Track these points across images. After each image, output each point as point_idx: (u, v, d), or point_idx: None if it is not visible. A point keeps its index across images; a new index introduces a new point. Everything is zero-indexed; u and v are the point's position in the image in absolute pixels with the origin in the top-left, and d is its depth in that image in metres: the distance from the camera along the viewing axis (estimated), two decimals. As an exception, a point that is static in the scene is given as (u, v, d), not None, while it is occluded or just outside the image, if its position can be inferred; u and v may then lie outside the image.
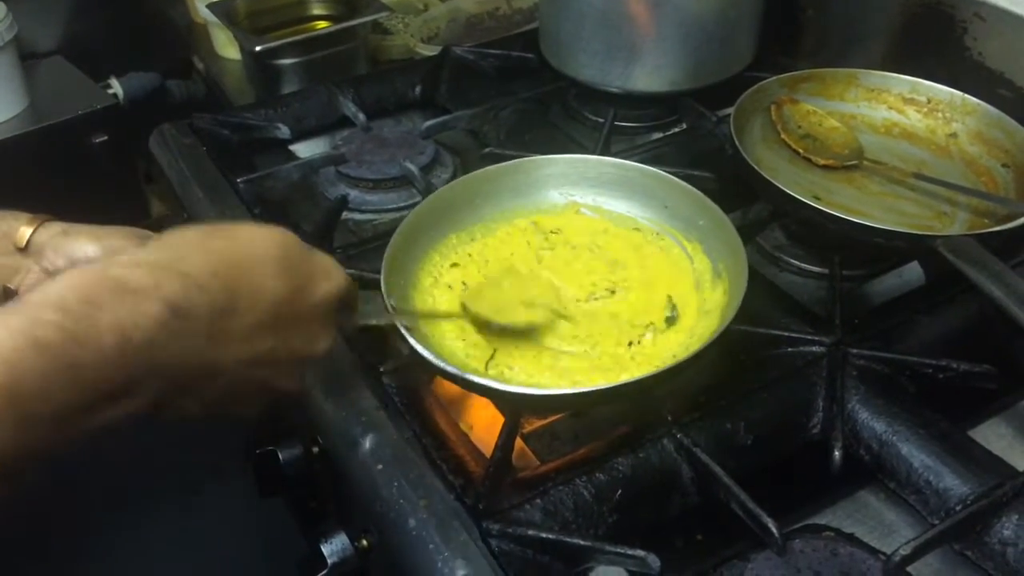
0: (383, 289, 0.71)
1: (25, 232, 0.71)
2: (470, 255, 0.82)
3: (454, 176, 1.03)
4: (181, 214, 1.03)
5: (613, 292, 0.78)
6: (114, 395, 0.46)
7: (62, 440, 0.45)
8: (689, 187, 0.81)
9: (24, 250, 0.71)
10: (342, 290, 0.60)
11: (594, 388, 0.68)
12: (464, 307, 0.75)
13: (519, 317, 0.74)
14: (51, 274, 0.71)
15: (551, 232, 0.84)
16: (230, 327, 0.52)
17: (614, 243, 0.83)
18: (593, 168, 0.86)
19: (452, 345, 0.74)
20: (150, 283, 0.48)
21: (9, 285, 0.72)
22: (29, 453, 0.43)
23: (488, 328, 0.74)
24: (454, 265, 0.81)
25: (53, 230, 0.71)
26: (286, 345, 0.56)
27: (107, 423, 0.47)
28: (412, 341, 0.68)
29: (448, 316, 0.75)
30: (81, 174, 1.50)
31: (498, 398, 0.73)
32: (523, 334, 0.73)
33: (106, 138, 1.49)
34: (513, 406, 0.72)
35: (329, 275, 0.59)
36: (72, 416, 0.45)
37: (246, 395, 0.57)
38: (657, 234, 0.83)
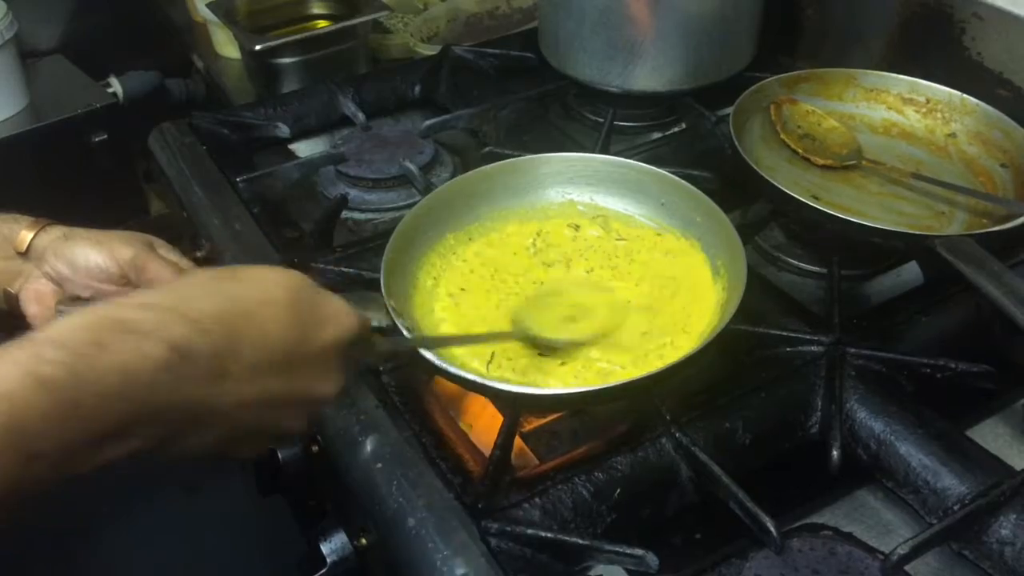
0: (383, 291, 0.71)
1: (26, 236, 0.71)
2: (465, 260, 0.82)
3: (454, 175, 1.03)
4: (180, 213, 1.04)
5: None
6: (116, 435, 0.46)
7: (61, 478, 0.44)
8: (685, 184, 0.82)
9: (25, 254, 0.71)
10: (352, 334, 0.59)
11: (593, 388, 0.68)
12: (514, 324, 0.74)
13: (562, 333, 0.73)
14: (52, 278, 0.71)
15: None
16: (233, 370, 0.51)
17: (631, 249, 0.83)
18: (590, 166, 0.87)
19: (451, 344, 0.74)
20: (154, 325, 0.48)
21: (10, 289, 0.72)
22: (28, 489, 0.43)
23: (533, 343, 0.73)
24: (460, 261, 0.81)
25: (54, 234, 0.71)
26: (293, 388, 0.55)
27: (108, 462, 0.46)
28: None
29: (475, 339, 0.74)
30: (81, 173, 1.50)
31: (498, 398, 0.73)
32: (568, 349, 0.73)
33: (106, 137, 1.49)
34: (512, 405, 0.72)
35: (339, 319, 0.58)
36: (73, 455, 0.44)
37: (252, 437, 0.57)
38: (658, 233, 0.83)
